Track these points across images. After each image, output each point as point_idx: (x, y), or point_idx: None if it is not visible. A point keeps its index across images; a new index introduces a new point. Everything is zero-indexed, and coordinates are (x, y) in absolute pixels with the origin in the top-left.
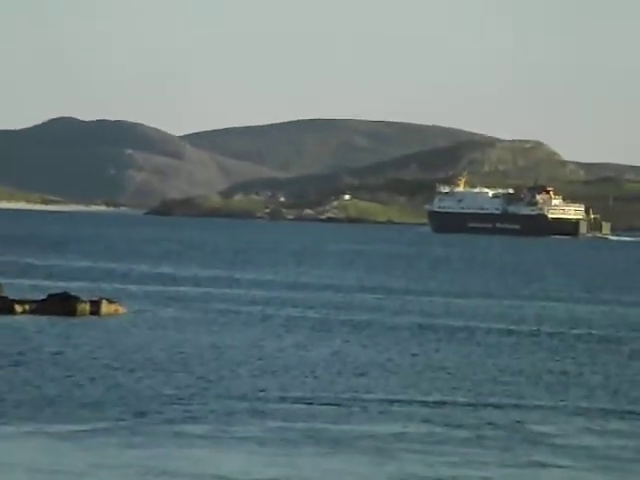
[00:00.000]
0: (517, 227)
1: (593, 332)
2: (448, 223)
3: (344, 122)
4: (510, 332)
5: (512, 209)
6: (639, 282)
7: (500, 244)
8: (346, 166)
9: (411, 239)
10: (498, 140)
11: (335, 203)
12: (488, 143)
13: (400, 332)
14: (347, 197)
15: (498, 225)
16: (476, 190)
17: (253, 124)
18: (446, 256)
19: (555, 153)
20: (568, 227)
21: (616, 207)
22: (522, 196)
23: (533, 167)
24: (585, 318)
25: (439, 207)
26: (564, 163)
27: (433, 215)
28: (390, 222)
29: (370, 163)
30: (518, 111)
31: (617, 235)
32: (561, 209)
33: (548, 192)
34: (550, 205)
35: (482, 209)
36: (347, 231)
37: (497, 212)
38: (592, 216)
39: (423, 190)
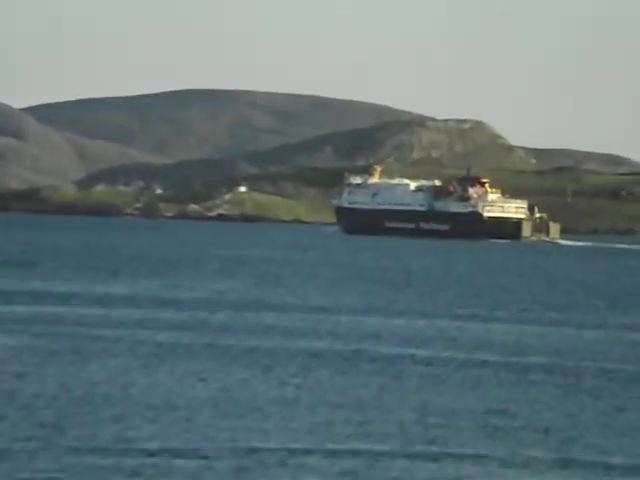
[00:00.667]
0: (446, 228)
1: (543, 361)
2: (360, 222)
3: (240, 94)
4: (441, 360)
5: (439, 205)
6: (595, 298)
7: (424, 249)
8: (242, 150)
9: (313, 243)
10: (430, 119)
11: (228, 196)
12: (418, 123)
13: (300, 361)
14: (243, 189)
15: (422, 225)
16: (395, 182)
17: (120, 94)
18: (354, 264)
19: (500, 136)
20: (508, 228)
21: (576, 203)
22: (451, 189)
23: (473, 153)
24: (534, 343)
25: (349, 203)
26: (511, 149)
27: (342, 212)
28: (297, 221)
29: (273, 146)
30: (455, 86)
31: (569, 239)
32: (499, 206)
33: (483, 184)
34: (486, 201)
35: (402, 205)
36: (242, 232)
37: (421, 209)
38: (537, 215)
39: (339, 181)
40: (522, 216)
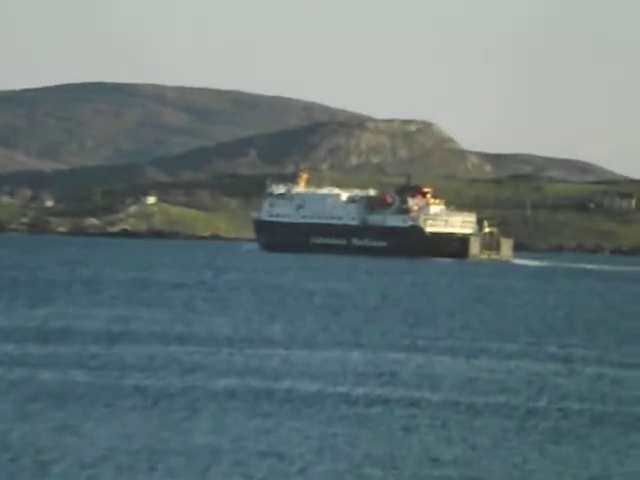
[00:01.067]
0: (382, 244)
1: (492, 399)
2: (283, 238)
3: (147, 88)
4: (377, 399)
5: (375, 219)
6: (552, 327)
7: (357, 268)
8: (150, 154)
9: (230, 262)
10: (370, 119)
11: (133, 209)
12: (356, 124)
13: (210, 402)
14: (152, 200)
15: (355, 242)
16: (323, 191)
17: (1, 88)
18: (275, 286)
19: (450, 140)
20: (453, 245)
21: (536, 217)
22: (389, 201)
23: (419, 159)
24: (482, 378)
25: (270, 215)
26: (463, 154)
27: (262, 227)
28: (216, 237)
29: (187, 150)
30: (398, 82)
31: (528, 257)
32: (443, 220)
33: (425, 195)
34: (428, 214)
35: (332, 219)
36: (149, 251)
37: (354, 223)
38: (487, 230)
39: (264, 190)
40: (469, 231)
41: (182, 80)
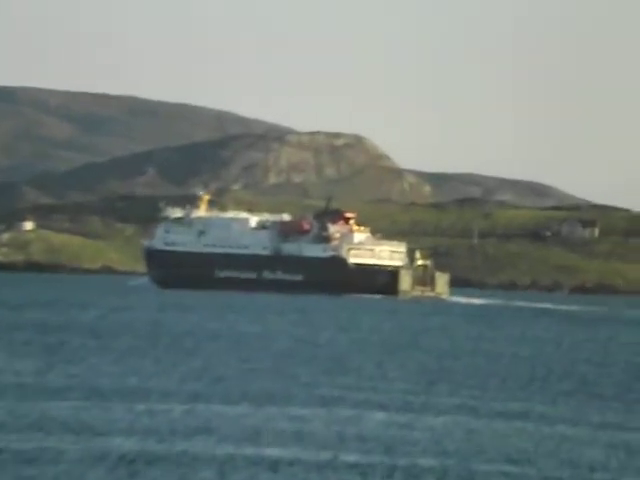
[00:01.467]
0: (297, 278)
1: (427, 463)
2: (180, 271)
3: (25, 92)
4: (294, 462)
5: (289, 248)
6: (493, 374)
7: (268, 306)
8: (28, 170)
9: (117, 300)
10: (292, 132)
11: (6, 236)
12: (275, 137)
13: (84, 467)
14: (29, 226)
15: (266, 275)
16: (229, 215)
17: None
18: (166, 329)
19: (385, 157)
20: (380, 280)
21: (484, 247)
22: (306, 227)
23: (349, 178)
24: (419, 438)
25: (165, 243)
26: (399, 173)
27: (155, 257)
28: (108, 269)
29: (73, 167)
30: (323, 90)
31: (472, 294)
32: (369, 250)
33: (348, 221)
34: (351, 243)
35: (239, 248)
36: (23, 286)
37: (264, 253)
38: (420, 262)
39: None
40: (399, 263)
41: (66, 84)
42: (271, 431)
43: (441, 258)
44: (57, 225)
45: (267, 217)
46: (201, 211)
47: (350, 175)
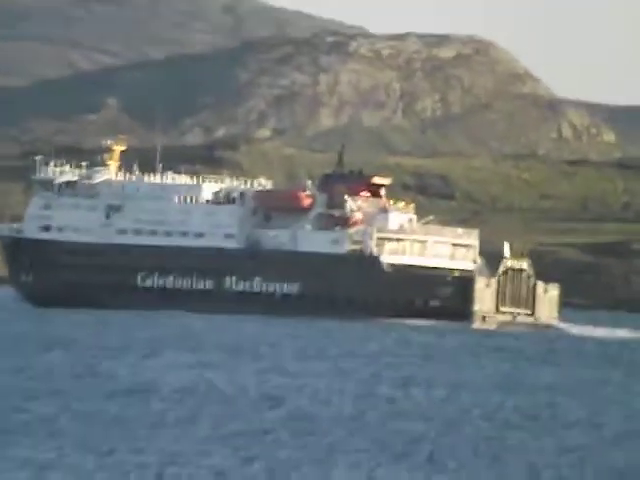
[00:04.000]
0: (289, 291)
1: None
2: (71, 278)
3: None
4: None
5: (274, 239)
6: None
7: (235, 335)
8: None
9: None
10: (365, 35)
11: None
12: (335, 44)
13: None
14: None
15: (232, 286)
16: (163, 180)
17: None
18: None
19: (529, 77)
20: (439, 294)
21: None
22: (303, 201)
23: (462, 117)
24: None
25: (43, 229)
26: (557, 107)
27: (23, 253)
28: None
29: None
30: None
31: (592, 321)
32: (416, 241)
33: (376, 190)
34: (385, 228)
35: (183, 237)
36: None
37: (230, 246)
38: (510, 264)
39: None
40: (471, 266)
41: None
42: None
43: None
44: None
45: (233, 184)
46: (111, 172)
47: (465, 111)
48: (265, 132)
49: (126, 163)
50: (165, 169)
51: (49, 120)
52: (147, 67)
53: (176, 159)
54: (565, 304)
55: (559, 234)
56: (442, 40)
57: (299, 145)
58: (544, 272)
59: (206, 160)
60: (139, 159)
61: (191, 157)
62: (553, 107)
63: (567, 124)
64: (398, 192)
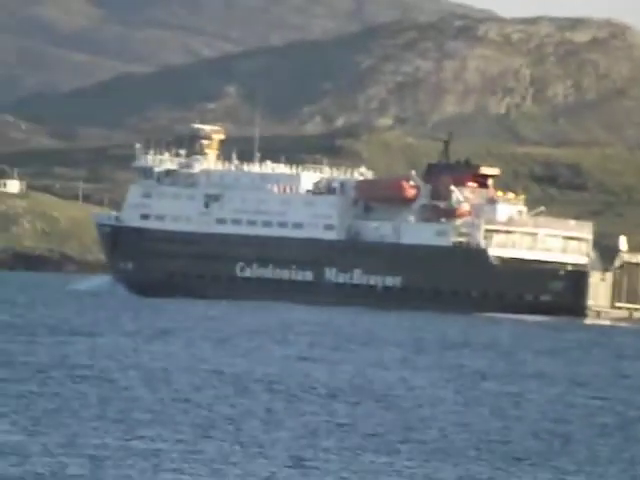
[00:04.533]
0: (392, 284)
1: None
2: (173, 267)
3: None
4: None
5: (376, 230)
6: None
7: (334, 330)
8: None
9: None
10: (494, 19)
11: None
12: (462, 28)
13: None
14: None
15: (333, 277)
16: (261, 170)
17: None
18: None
19: None
20: (551, 288)
21: None
22: (408, 192)
23: (598, 104)
24: None
25: (144, 217)
26: None
27: (123, 241)
28: (22, 258)
29: None
30: None
31: None
32: (526, 234)
33: (484, 181)
34: (493, 220)
35: (282, 228)
36: None
37: (330, 237)
38: (627, 258)
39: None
40: (584, 260)
41: None
42: None
43: None
44: None
45: (334, 174)
46: (209, 160)
47: (599, 97)
48: (387, 121)
49: (226, 152)
50: (287, 159)
51: (169, 108)
52: (267, 54)
53: (296, 148)
54: None
55: None
56: (576, 24)
57: (421, 134)
58: None
59: (326, 150)
60: (240, 148)
61: (311, 146)
62: None
63: None
64: (527, 183)
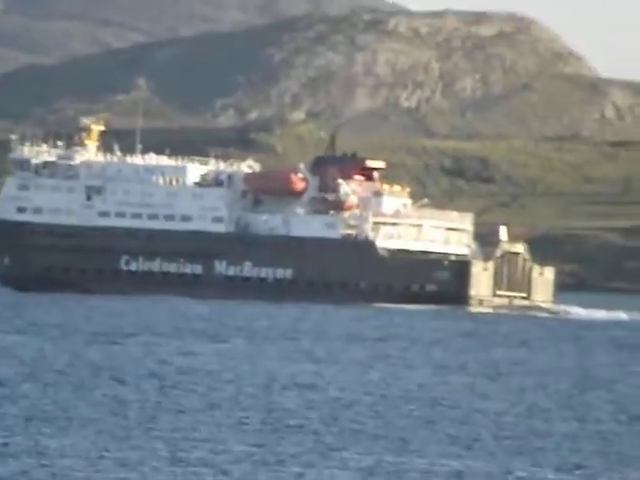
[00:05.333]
0: (283, 276)
1: None
2: (51, 261)
3: None
4: None
5: (264, 223)
6: None
7: (229, 324)
8: None
9: None
10: (403, 12)
11: None
12: (372, 22)
13: None
14: None
15: (222, 270)
16: (146, 162)
17: None
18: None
19: (571, 57)
20: (436, 278)
21: None
22: (297, 185)
23: (505, 98)
24: None
25: (20, 211)
26: (599, 88)
27: (2, 236)
28: None
29: None
30: None
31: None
32: (411, 225)
33: (370, 174)
34: (380, 213)
35: (169, 220)
36: None
37: (218, 230)
38: (506, 248)
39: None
40: (466, 250)
41: None
42: None
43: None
44: None
45: (220, 167)
46: (90, 152)
47: (506, 91)
48: (300, 114)
49: (106, 144)
50: (197, 152)
51: (76, 100)
52: (177, 46)
53: (208, 142)
54: (607, 289)
55: (602, 218)
56: (480, 17)
57: (334, 128)
58: (586, 257)
59: (239, 143)
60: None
61: (224, 140)
62: (596, 87)
63: (610, 105)
64: (437, 175)
